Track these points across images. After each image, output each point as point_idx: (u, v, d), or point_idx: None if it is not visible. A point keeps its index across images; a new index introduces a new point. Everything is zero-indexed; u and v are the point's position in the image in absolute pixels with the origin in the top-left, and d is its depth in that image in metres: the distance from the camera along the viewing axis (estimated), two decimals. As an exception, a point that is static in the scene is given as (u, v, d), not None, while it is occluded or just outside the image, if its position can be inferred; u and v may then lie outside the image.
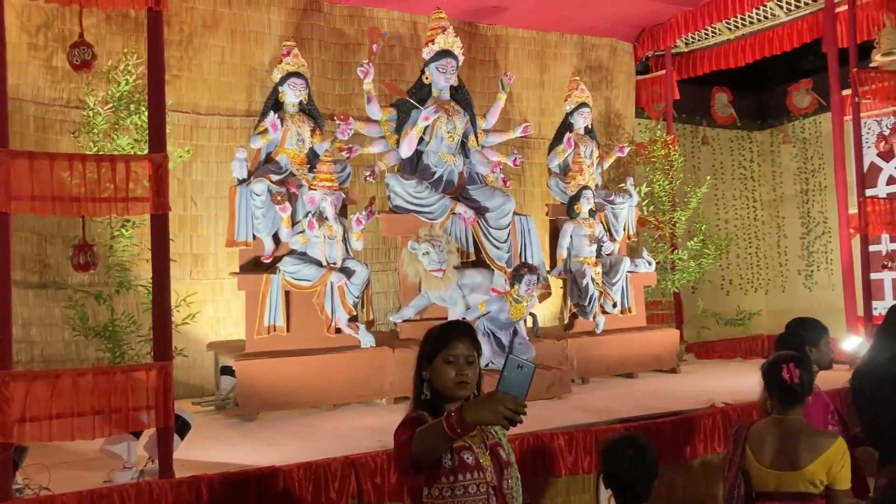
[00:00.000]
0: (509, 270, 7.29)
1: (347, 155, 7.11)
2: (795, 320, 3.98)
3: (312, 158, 6.95)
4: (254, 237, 6.65)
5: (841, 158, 7.99)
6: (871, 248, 8.11)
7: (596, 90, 10.10)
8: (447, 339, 2.79)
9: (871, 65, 7.77)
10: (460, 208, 7.31)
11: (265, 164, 6.85)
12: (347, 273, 6.60)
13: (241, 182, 6.66)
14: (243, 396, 6.10)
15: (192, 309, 6.73)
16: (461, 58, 7.57)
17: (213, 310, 7.79)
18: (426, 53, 7.50)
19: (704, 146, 11.68)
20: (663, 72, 10.19)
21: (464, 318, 6.87)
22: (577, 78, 8.50)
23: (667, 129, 9.84)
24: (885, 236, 8.75)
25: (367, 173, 7.25)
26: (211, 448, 5.04)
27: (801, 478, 3.00)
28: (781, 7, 9.29)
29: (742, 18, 9.69)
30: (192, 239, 7.65)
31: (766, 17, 9.51)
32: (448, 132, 7.47)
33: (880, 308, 8.75)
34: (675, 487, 5.56)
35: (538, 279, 6.65)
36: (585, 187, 7.89)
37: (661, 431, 5.43)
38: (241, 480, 4.11)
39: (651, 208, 9.23)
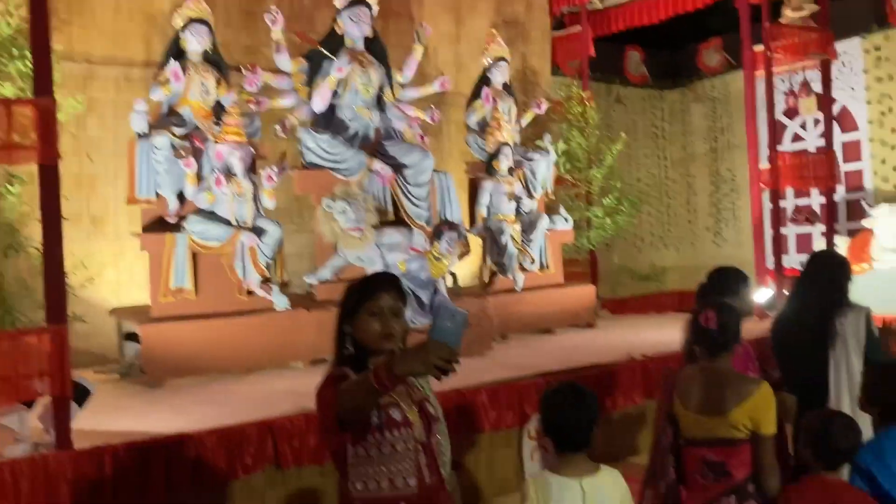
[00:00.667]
0: (429, 229, 7.14)
1: (256, 108, 6.75)
2: (717, 269, 3.95)
3: (218, 111, 6.56)
4: (157, 195, 6.24)
5: (752, 114, 8.11)
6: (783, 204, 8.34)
7: (511, 46, 9.91)
8: (372, 290, 2.62)
9: (781, 21, 7.88)
10: (377, 165, 7.07)
11: (167, 117, 6.42)
12: (258, 233, 6.29)
13: (142, 136, 6.22)
14: (149, 363, 5.76)
15: (91, 272, 6.29)
16: (375, 7, 7.27)
17: (114, 274, 7.34)
18: (338, 2, 7.17)
19: (618, 105, 11.75)
20: (578, 28, 10.11)
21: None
22: (495, 32, 8.32)
23: (582, 86, 9.80)
24: (790, 189, 9.00)
25: (278, 128, 6.92)
26: (114, 417, 4.72)
27: (726, 423, 2.98)
28: (694, -37, 9.32)
29: (657, -25, 9.69)
30: (89, 199, 7.15)
31: (680, -26, 9.54)
32: (363, 85, 7.19)
33: (787, 262, 9.04)
34: (596, 440, 5.57)
35: (459, 237, 6.51)
36: (504, 144, 7.77)
37: (582, 384, 5.41)
38: (147, 450, 3.85)
39: (568, 166, 9.21)
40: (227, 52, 7.73)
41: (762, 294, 7.50)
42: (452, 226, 6.42)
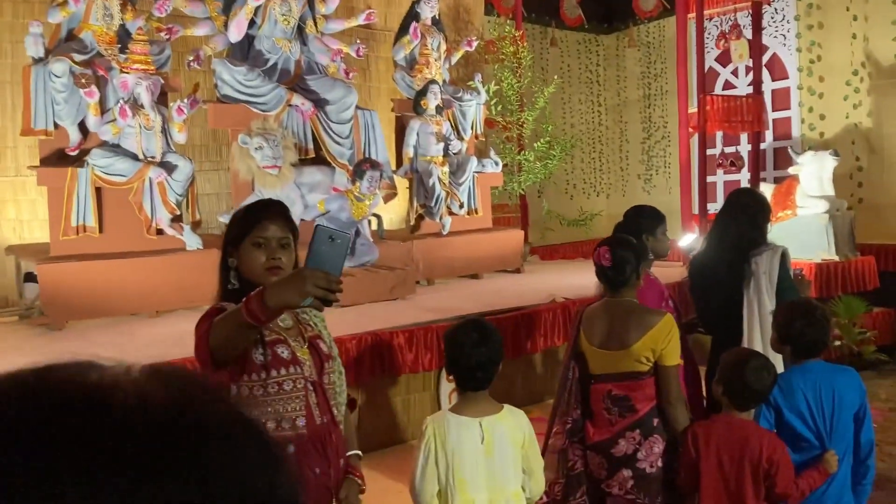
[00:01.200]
0: (351, 168, 6.90)
1: (167, 36, 6.33)
2: (633, 208, 3.86)
3: (124, 38, 6.11)
4: (55, 126, 5.82)
5: (683, 58, 8.02)
6: (707, 152, 8.31)
7: (444, -18, 9.61)
8: (256, 219, 2.43)
9: (715, -39, 7.76)
10: (297, 100, 6.76)
11: (66, 42, 5.96)
12: (168, 168, 5.95)
13: (38, 62, 5.77)
14: (49, 304, 5.43)
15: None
16: (296, -68, 6.86)
17: (14, 211, 6.90)
18: (256, -75, 6.73)
19: (553, 48, 11.52)
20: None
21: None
22: (426, -37, 7.97)
23: (516, 25, 9.55)
24: (719, 137, 8.99)
25: (191, 58, 6.51)
26: (11, 359, 4.41)
27: (629, 356, 2.93)
28: None
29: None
30: (-16, 130, 6.65)
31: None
32: (283, 15, 6.82)
33: (713, 209, 9.07)
34: (515, 382, 5.51)
35: (381, 176, 6.28)
36: (433, 82, 7.51)
37: (502, 327, 5.30)
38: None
39: (499, 108, 9.00)
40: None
41: (686, 239, 7.51)
42: (374, 164, 6.18)
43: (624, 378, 2.96)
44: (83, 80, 5.59)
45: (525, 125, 9.00)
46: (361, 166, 6.15)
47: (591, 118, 12.13)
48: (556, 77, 9.35)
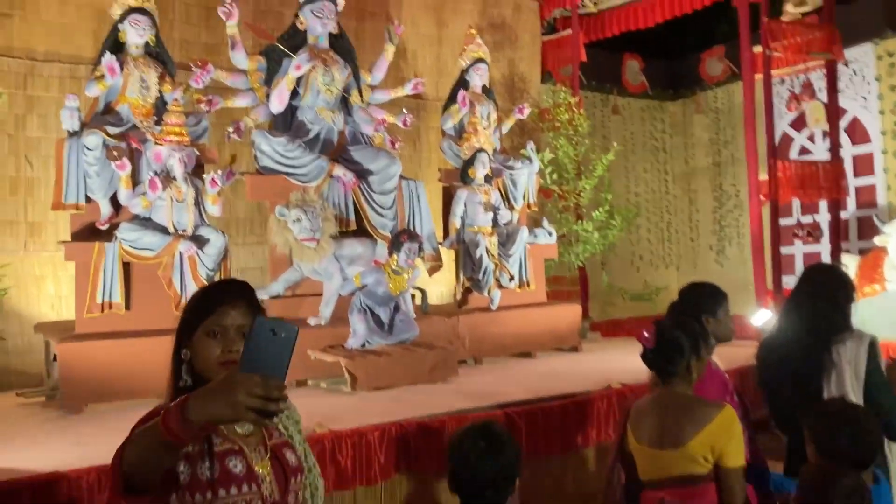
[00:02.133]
0: (392, 240, 6.57)
1: (207, 108, 6.20)
2: (690, 285, 3.36)
3: (161, 110, 5.99)
4: (87, 199, 5.68)
5: (752, 121, 7.49)
6: (782, 221, 7.68)
7: (499, 50, 9.40)
8: (212, 303, 2.04)
9: (784, 18, 7.26)
10: (339, 171, 6.50)
11: (102, 115, 5.87)
12: (199, 242, 5.70)
13: (73, 135, 5.67)
14: (67, 385, 5.15)
15: (27, 285, 5.72)
16: (341, 2, 6.73)
17: (54, 287, 6.78)
18: (302, -5, 6.63)
19: (615, 115, 11.15)
20: (569, 32, 9.54)
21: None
22: (474, 31, 7.76)
23: (573, 91, 9.20)
24: (796, 206, 8.34)
25: (231, 130, 6.36)
26: (6, 448, 4.11)
27: (684, 456, 2.45)
28: (692, -38, 8.74)
29: (652, -26, 9.12)
30: (26, 205, 6.60)
31: (676, -27, 8.95)
32: (325, 85, 6.63)
33: (791, 283, 8.35)
34: (565, 480, 4.91)
35: (420, 248, 5.89)
36: (480, 150, 7.17)
37: (548, 417, 4.78)
38: (4, 493, 3.23)
39: (555, 176, 8.59)
40: (186, 51, 7.28)
41: (761, 316, 6.83)
42: (412, 235, 5.81)
43: (679, 483, 2.50)
44: (115, 153, 5.44)
45: (583, 194, 8.54)
46: (399, 238, 5.78)
47: (657, 186, 11.60)
48: (614, 144, 8.90)
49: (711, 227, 11.22)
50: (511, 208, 7.66)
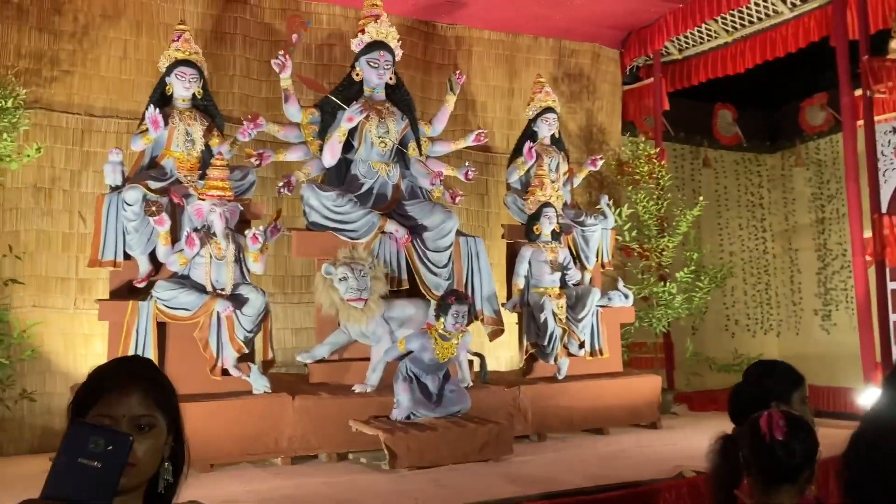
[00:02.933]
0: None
1: (257, 162, 5.97)
2: (757, 365, 2.76)
3: (208, 164, 5.77)
4: (126, 257, 5.48)
5: (854, 172, 6.68)
6: (892, 285, 6.76)
7: (576, 101, 8.93)
8: (100, 389, 1.61)
9: (889, 56, 6.48)
10: (391, 226, 6.11)
11: (146, 170, 5.71)
12: (238, 301, 5.39)
13: (115, 190, 5.52)
14: (90, 453, 4.85)
15: (75, 344, 5.55)
16: (398, 51, 6.44)
17: (102, 346, 6.56)
18: (355, 45, 6.39)
19: (706, 168, 10.40)
20: (651, 80, 8.97)
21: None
22: (542, 80, 7.33)
23: (655, 142, 8.59)
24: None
25: (282, 184, 6.09)
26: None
27: None
28: (784, 2, 8.04)
29: (741, 17, 8.46)
30: (78, 261, 6.46)
31: (767, 16, 8.27)
32: (379, 137, 6.31)
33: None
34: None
35: (470, 311, 5.38)
36: (546, 205, 6.64)
37: (604, 511, 4.11)
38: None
39: (634, 233, 7.94)
40: (247, 106, 7.15)
41: (867, 395, 5.92)
42: (460, 297, 5.30)
43: None
44: (153, 209, 5.22)
45: (665, 252, 7.84)
46: (446, 299, 5.29)
47: (753, 245, 10.69)
48: (700, 198, 8.18)
49: (816, 290, 10.20)
50: (582, 268, 7.07)
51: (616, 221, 7.74)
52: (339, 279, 5.66)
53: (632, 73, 9.60)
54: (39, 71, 6.46)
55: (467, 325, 6.32)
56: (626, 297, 7.01)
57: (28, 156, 5.41)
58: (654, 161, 8.06)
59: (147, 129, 5.57)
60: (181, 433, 1.74)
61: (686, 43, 9.17)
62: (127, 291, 5.51)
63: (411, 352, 5.38)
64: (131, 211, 5.35)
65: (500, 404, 6.02)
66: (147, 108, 5.60)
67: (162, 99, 5.74)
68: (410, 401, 5.31)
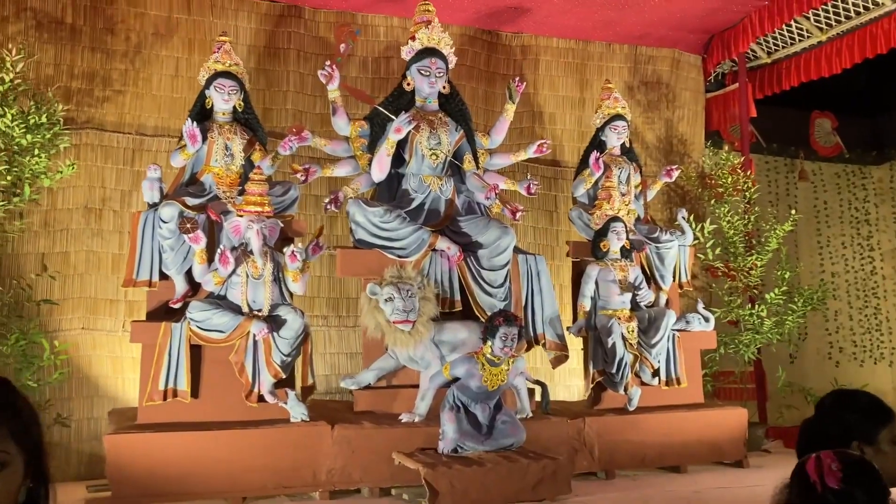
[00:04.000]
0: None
1: (303, 178, 5.68)
2: (836, 395, 2.22)
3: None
4: (162, 276, 5.26)
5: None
6: None
7: (653, 110, 8.33)
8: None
9: None
10: (442, 243, 5.70)
11: (186, 186, 5.50)
12: (276, 323, 5.07)
13: (153, 207, 5.33)
14: (116, 482, 4.61)
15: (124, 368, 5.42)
16: (451, 58, 6.07)
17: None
18: (406, 53, 6.06)
19: (802, 182, 9.55)
20: (736, 86, 8.27)
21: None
22: (611, 85, 6.79)
23: (742, 151, 7.87)
24: None
25: (327, 200, 5.78)
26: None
27: None
28: (885, -9, 7.23)
29: (835, 12, 7.67)
30: (128, 282, 6.32)
31: (866, 8, 7.46)
32: (430, 149, 5.93)
33: None
34: None
35: (520, 334, 4.87)
36: (614, 219, 6.08)
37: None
38: None
39: (718, 250, 7.24)
40: (300, 120, 6.92)
41: None
42: (509, 318, 4.81)
43: None
44: (188, 226, 4.98)
45: (752, 272, 7.09)
46: (493, 321, 4.80)
47: (860, 265, 9.72)
48: (793, 212, 7.39)
49: (934, 315, 9.15)
50: (658, 288, 6.45)
51: (697, 238, 7.09)
52: (385, 300, 5.28)
53: (717, 79, 8.92)
54: (92, 91, 6.41)
55: (525, 349, 5.87)
56: (707, 320, 6.33)
57: (60, 172, 5.26)
58: (739, 171, 7.35)
59: (185, 144, 5.37)
60: (44, 472, 1.37)
61: (775, 45, 8.42)
62: (164, 313, 5.28)
63: (458, 378, 4.91)
64: (167, 228, 5.13)
65: (563, 438, 5.47)
66: (185, 123, 5.40)
67: (202, 113, 5.54)
68: (456, 432, 4.83)
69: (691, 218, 6.85)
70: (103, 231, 6.33)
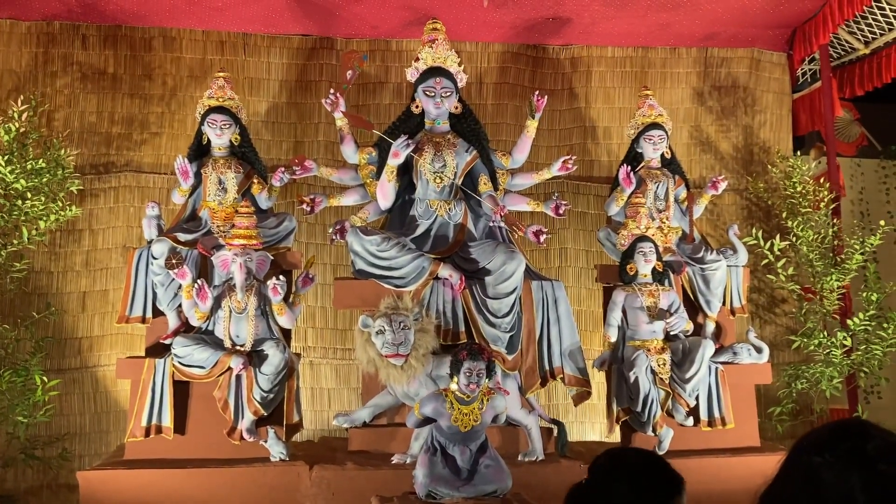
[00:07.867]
0: (510, 358, 5.22)
1: (308, 209, 5.57)
2: (609, 457, 1.79)
3: (249, 213, 5.49)
4: (155, 312, 5.31)
5: None
6: None
7: (729, 117, 7.51)
8: None
9: None
10: (444, 271, 5.35)
11: (186, 222, 5.54)
12: (259, 358, 4.95)
13: (149, 244, 5.41)
14: (90, 521, 4.63)
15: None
16: (461, 76, 5.77)
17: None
18: (410, 75, 5.83)
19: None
20: (819, 84, 7.27)
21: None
22: (648, 91, 6.16)
23: (827, 158, 6.88)
24: None
25: (332, 230, 5.62)
26: None
27: None
28: None
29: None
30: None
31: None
32: (434, 172, 5.63)
33: None
34: None
35: (490, 369, 4.39)
36: (641, 239, 5.45)
37: None
38: None
39: (791, 270, 6.32)
40: (332, 154, 6.89)
41: None
42: (474, 352, 4.34)
43: None
44: (173, 261, 5.00)
45: (829, 294, 6.11)
46: (458, 356, 4.36)
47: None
48: (882, 223, 6.29)
49: None
50: (705, 315, 5.71)
51: (768, 257, 6.25)
52: (376, 332, 5.01)
53: (814, 77, 7.92)
54: (130, 135, 6.70)
55: (540, 385, 5.38)
56: (759, 351, 5.50)
57: (55, 214, 5.47)
58: (809, 180, 6.41)
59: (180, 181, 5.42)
60: None
61: (871, 33, 7.35)
62: (162, 349, 5.32)
63: (428, 419, 4.52)
64: (157, 265, 5.18)
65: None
66: (177, 159, 5.45)
67: (199, 149, 5.59)
68: (427, 476, 4.40)
69: (754, 234, 6.03)
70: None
